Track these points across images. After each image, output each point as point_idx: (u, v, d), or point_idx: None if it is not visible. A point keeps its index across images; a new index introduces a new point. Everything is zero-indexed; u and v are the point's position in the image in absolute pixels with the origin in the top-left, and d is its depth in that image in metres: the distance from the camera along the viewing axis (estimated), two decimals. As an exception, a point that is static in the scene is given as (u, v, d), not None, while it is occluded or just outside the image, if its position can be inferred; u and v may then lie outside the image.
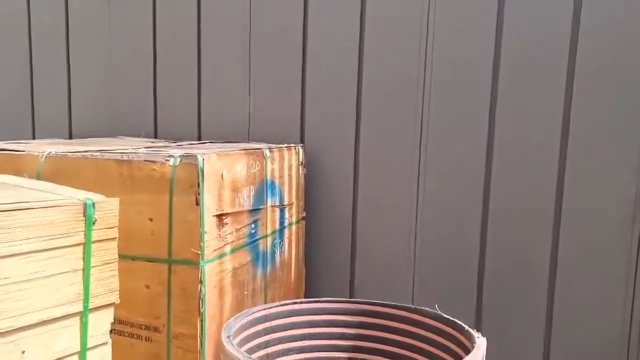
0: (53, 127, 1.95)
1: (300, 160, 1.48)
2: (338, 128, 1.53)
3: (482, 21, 1.37)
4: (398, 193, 1.47)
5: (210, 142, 1.55)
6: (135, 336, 1.12)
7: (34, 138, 1.99)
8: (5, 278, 0.72)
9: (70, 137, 1.91)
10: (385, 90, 1.47)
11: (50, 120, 1.97)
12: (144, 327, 1.11)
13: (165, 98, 1.76)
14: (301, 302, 1.05)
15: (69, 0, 1.88)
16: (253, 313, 0.99)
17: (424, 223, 1.46)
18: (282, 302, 1.04)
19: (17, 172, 1.14)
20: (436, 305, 1.04)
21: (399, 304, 1.10)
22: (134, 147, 1.34)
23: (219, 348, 1.09)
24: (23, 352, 0.76)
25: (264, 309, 1.01)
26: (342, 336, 1.04)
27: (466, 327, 0.97)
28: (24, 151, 1.22)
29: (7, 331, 0.73)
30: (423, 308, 1.10)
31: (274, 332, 1.01)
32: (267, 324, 1.00)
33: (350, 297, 1.52)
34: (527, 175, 1.36)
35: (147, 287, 1.10)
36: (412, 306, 1.09)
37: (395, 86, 1.46)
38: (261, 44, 1.60)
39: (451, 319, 1.01)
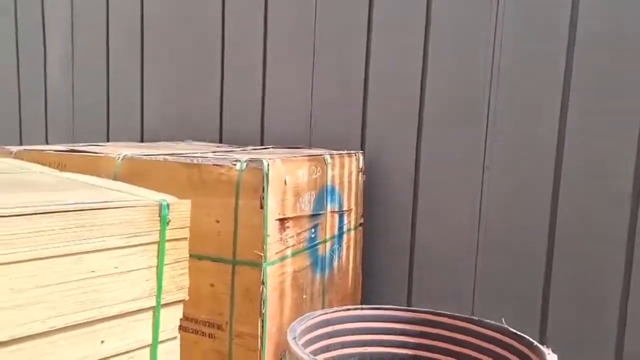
0: (126, 131, 2.07)
1: (360, 166, 1.50)
2: (399, 135, 1.53)
3: (553, 24, 1.33)
4: (460, 201, 1.45)
5: (272, 147, 1.59)
6: (200, 333, 1.17)
7: (108, 140, 2.12)
8: (91, 272, 0.78)
9: (142, 141, 2.02)
10: (448, 96, 1.46)
11: (124, 124, 2.09)
12: (207, 324, 1.15)
13: (230, 104, 1.83)
14: (363, 308, 1.05)
15: (144, 9, 1.99)
16: (315, 317, 1.01)
17: (487, 233, 1.43)
18: (344, 307, 1.05)
19: (96, 173, 1.23)
20: (502, 319, 1.02)
21: (462, 315, 1.08)
22: (202, 151, 1.40)
23: (280, 348, 1.11)
24: (102, 341, 0.81)
25: (326, 313, 1.03)
26: (403, 345, 1.03)
27: (535, 342, 0.95)
28: (102, 153, 1.30)
29: (90, 321, 0.79)
30: (487, 320, 1.08)
31: (335, 337, 1.02)
32: (329, 328, 1.01)
33: (407, 306, 1.52)
34: (599, 196, 1.30)
35: (212, 285, 1.15)
36: (476, 318, 1.07)
37: (460, 92, 1.44)
38: (324, 51, 1.63)
39: (518, 332, 0.99)
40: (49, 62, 2.30)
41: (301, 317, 0.98)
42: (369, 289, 1.56)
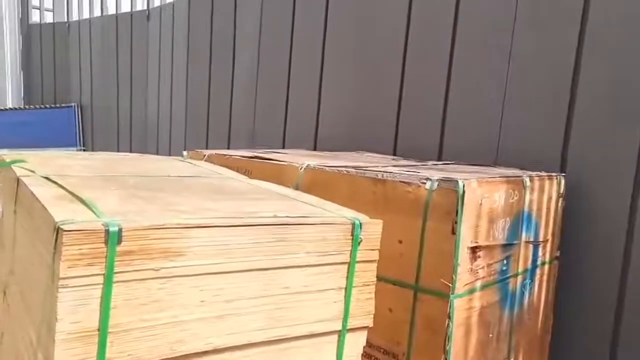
0: (300, 137, 2.12)
1: (561, 191, 1.30)
2: (611, 157, 1.29)
3: None
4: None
5: (455, 163, 1.47)
6: (373, 358, 1.10)
7: (283, 145, 2.20)
8: (285, 287, 0.76)
9: (315, 148, 2.05)
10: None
11: (299, 130, 2.14)
12: (383, 351, 1.08)
13: (407, 116, 1.75)
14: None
15: (327, 23, 2.02)
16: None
17: None
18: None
19: (279, 181, 1.24)
20: None
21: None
22: (382, 164, 1.34)
23: (463, 393, 0.99)
24: (290, 361, 0.78)
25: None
26: None
27: None
28: (285, 162, 1.32)
29: (282, 339, 0.76)
30: None
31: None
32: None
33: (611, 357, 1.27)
34: None
35: (390, 310, 1.07)
36: None
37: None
38: (524, 58, 1.46)
39: None
40: (236, 70, 2.48)
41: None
42: (561, 334, 1.35)
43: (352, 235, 0.82)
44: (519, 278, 1.18)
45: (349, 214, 0.86)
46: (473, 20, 1.57)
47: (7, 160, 1.08)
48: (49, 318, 0.60)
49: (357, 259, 0.83)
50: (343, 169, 1.20)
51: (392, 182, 1.08)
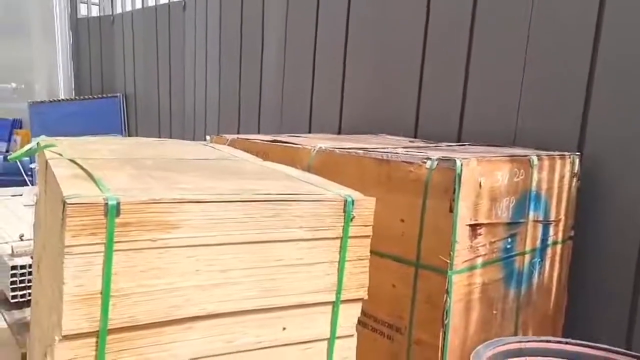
0: (326, 122, 2.16)
1: (574, 171, 1.28)
2: (629, 136, 1.26)
3: None
4: None
5: (469, 145, 1.47)
6: (378, 332, 1.14)
7: (309, 130, 2.25)
8: (278, 260, 0.81)
9: (339, 132, 2.09)
10: None
11: (324, 115, 2.18)
12: (386, 324, 1.12)
13: (428, 97, 1.75)
14: (568, 343, 0.89)
15: (350, 11, 2.03)
16: (506, 344, 0.89)
17: None
18: (544, 338, 0.90)
19: (293, 163, 1.29)
20: None
21: None
22: (393, 146, 1.36)
23: (460, 366, 1.02)
24: (284, 328, 0.84)
25: (520, 341, 0.89)
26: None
27: None
28: (299, 145, 1.36)
29: (274, 307, 0.82)
30: None
31: (528, 371, 0.88)
32: (521, 359, 0.88)
33: (626, 345, 1.25)
34: None
35: (394, 286, 1.11)
36: None
37: None
38: (542, 39, 1.43)
39: None
40: (264, 59, 2.54)
41: (489, 342, 0.87)
42: (574, 315, 1.34)
43: (344, 211, 0.86)
44: (527, 257, 1.18)
45: (344, 192, 0.89)
46: (493, 2, 1.55)
47: (42, 144, 1.19)
48: (59, 282, 0.68)
49: (350, 234, 0.87)
50: (352, 150, 1.23)
51: (395, 162, 1.11)
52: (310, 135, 1.83)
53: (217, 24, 2.90)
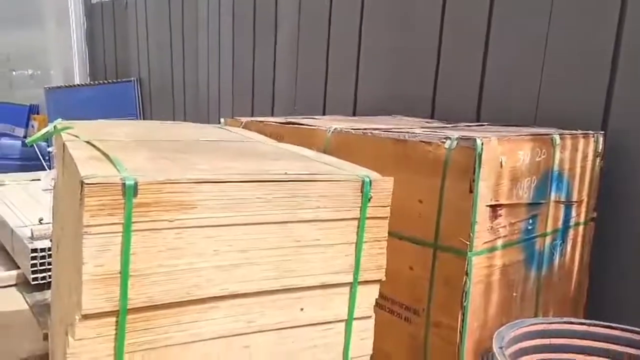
0: (341, 102, 2.14)
1: (598, 150, 1.24)
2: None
3: None
4: None
5: (488, 125, 1.44)
6: (396, 314, 1.13)
7: (324, 112, 2.23)
8: (296, 240, 0.80)
9: (354, 114, 2.06)
10: None
11: (339, 96, 2.16)
12: (404, 307, 1.11)
13: (446, 76, 1.71)
14: (591, 325, 0.87)
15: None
16: (529, 325, 0.87)
17: None
18: (566, 319, 0.89)
19: (308, 145, 1.27)
20: None
21: None
22: (410, 126, 1.34)
23: (481, 346, 1.01)
24: (302, 309, 0.84)
25: (542, 323, 0.88)
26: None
27: None
28: (314, 126, 1.35)
29: (293, 288, 0.81)
30: None
31: (551, 352, 0.87)
32: (545, 341, 0.87)
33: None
34: None
35: (411, 268, 1.10)
36: None
37: None
38: (564, 20, 1.38)
39: None
40: (278, 39, 2.52)
41: (511, 323, 0.85)
42: (597, 297, 1.31)
43: (361, 192, 0.85)
44: (548, 238, 1.16)
45: (361, 172, 0.88)
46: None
47: (59, 127, 1.19)
48: (79, 262, 0.68)
49: (367, 215, 0.86)
50: (367, 131, 1.21)
51: (412, 142, 1.09)
52: (325, 117, 1.81)
53: (231, 3, 2.88)
